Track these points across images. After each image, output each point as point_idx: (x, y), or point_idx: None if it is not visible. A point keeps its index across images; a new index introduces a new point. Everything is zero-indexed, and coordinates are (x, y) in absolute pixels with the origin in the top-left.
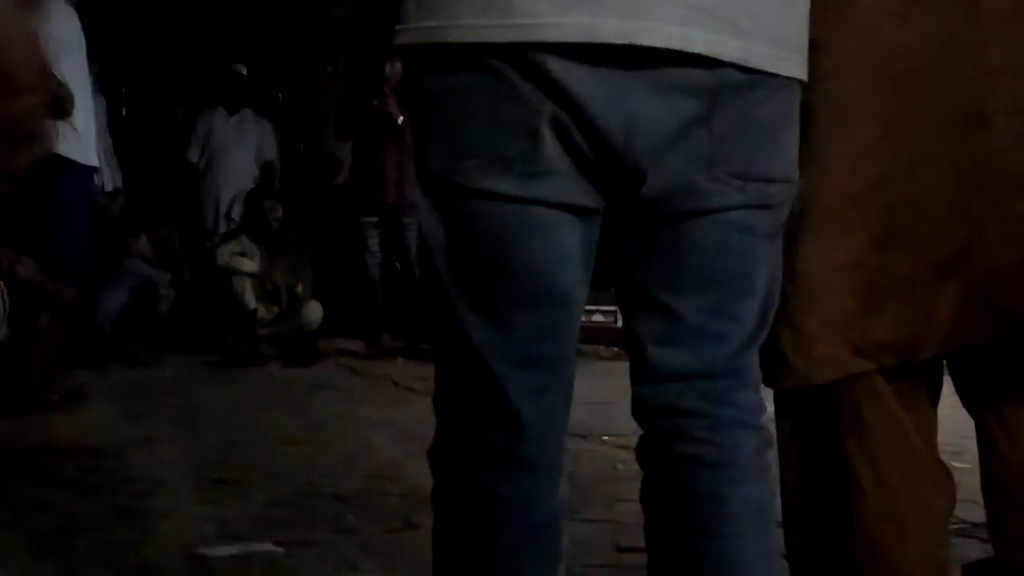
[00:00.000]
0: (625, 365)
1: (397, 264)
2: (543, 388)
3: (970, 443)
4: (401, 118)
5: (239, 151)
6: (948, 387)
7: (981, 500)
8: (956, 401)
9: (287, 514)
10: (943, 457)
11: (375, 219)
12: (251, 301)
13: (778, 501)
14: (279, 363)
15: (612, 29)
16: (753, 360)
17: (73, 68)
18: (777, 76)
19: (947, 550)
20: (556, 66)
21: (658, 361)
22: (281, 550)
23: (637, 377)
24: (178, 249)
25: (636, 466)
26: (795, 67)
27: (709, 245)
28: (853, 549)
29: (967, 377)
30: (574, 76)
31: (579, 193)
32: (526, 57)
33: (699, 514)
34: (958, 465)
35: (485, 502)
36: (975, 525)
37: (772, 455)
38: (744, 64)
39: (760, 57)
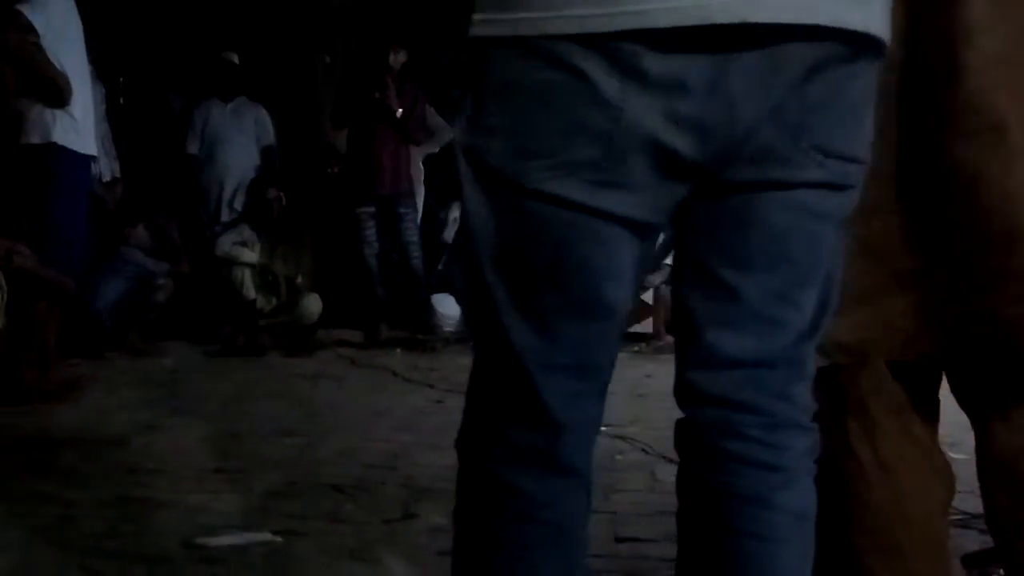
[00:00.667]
0: (625, 355)
1: (394, 255)
2: (581, 394)
3: (968, 435)
4: (400, 110)
5: (238, 138)
6: (944, 378)
7: (979, 491)
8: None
9: (286, 504)
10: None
11: (372, 209)
12: (251, 291)
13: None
14: (278, 353)
15: (722, 8)
16: (810, 351)
17: (71, 57)
18: (879, 48)
19: (947, 538)
20: (652, 60)
21: (716, 345)
22: (280, 539)
23: (690, 360)
24: (177, 239)
25: (634, 456)
26: (888, 41)
27: (780, 224)
28: (854, 534)
29: (960, 374)
30: (673, 66)
31: (645, 208)
32: (620, 51)
33: (741, 516)
34: (956, 456)
35: (512, 499)
36: (974, 516)
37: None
38: (866, 31)
39: (879, 24)
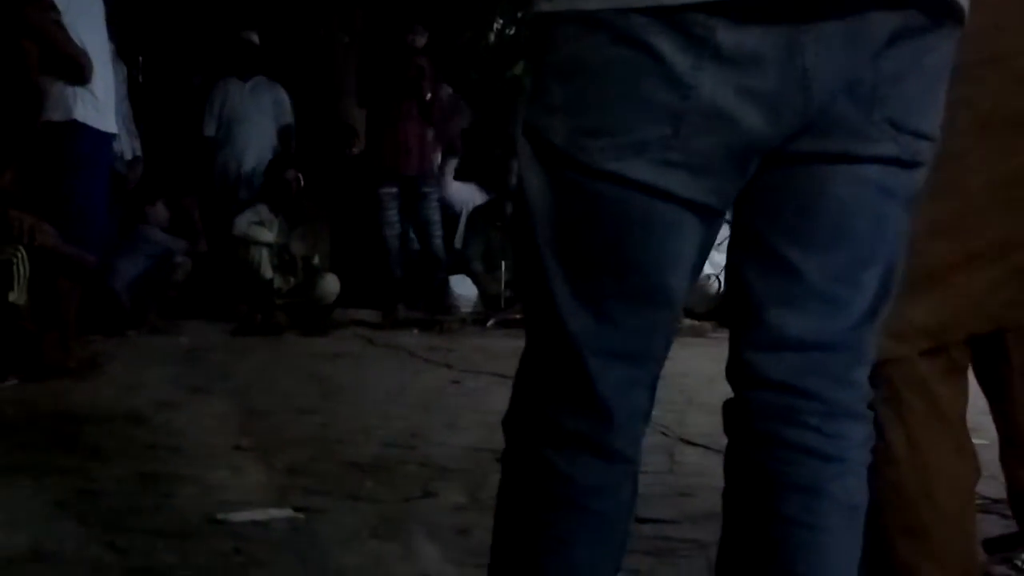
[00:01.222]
0: None
1: (413, 235)
2: (634, 382)
3: (986, 419)
4: (429, 94)
5: (257, 117)
6: None
7: (1001, 476)
8: (971, 378)
9: (306, 481)
10: None
11: (394, 190)
12: (267, 271)
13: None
14: (295, 333)
15: None
16: (872, 335)
17: (92, 35)
18: (959, 16)
19: (975, 519)
20: (727, 33)
21: (778, 324)
22: (301, 516)
23: (748, 340)
24: (197, 218)
25: (652, 438)
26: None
27: (846, 200)
28: (884, 516)
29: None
30: (748, 39)
31: (712, 191)
32: (693, 24)
33: (794, 505)
34: (976, 441)
35: (559, 485)
36: (995, 501)
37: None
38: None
39: None
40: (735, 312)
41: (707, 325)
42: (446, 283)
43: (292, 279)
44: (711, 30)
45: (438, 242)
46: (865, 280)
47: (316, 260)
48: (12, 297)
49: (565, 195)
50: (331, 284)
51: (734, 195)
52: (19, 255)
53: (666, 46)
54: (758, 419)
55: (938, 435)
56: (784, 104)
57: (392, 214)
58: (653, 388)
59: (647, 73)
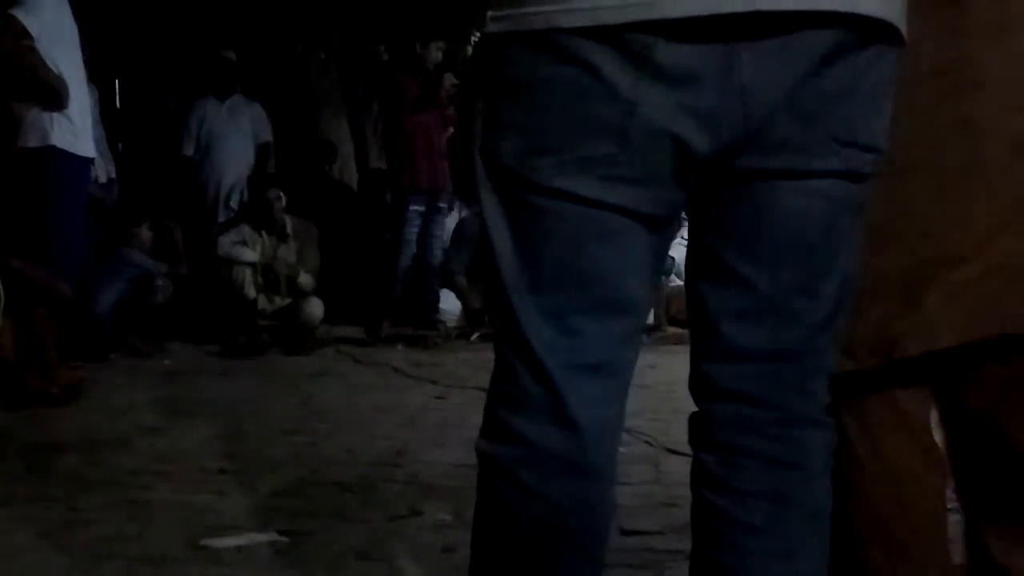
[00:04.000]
0: None
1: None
2: (603, 396)
3: None
4: (451, 107)
5: (235, 136)
6: None
7: None
8: None
9: (290, 503)
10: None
11: (422, 208)
12: (251, 291)
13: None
14: (278, 352)
15: None
16: (828, 344)
17: (66, 60)
18: (895, 36)
19: (947, 524)
20: (665, 51)
21: (733, 336)
22: (285, 539)
23: (706, 353)
24: (179, 241)
25: (637, 449)
26: (905, 31)
27: (795, 213)
28: (855, 526)
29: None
30: (686, 57)
31: (658, 201)
32: (632, 43)
33: (759, 513)
34: None
35: (534, 504)
36: None
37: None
38: (880, 17)
39: (893, 11)
40: (694, 326)
41: None
42: (437, 298)
43: (277, 298)
44: (650, 48)
45: (438, 254)
46: (821, 290)
47: (301, 278)
48: None
49: (518, 213)
50: (316, 308)
51: (682, 203)
52: None
53: (607, 65)
54: (719, 430)
55: (905, 443)
56: (723, 120)
57: (412, 231)
58: (623, 402)
59: (590, 91)
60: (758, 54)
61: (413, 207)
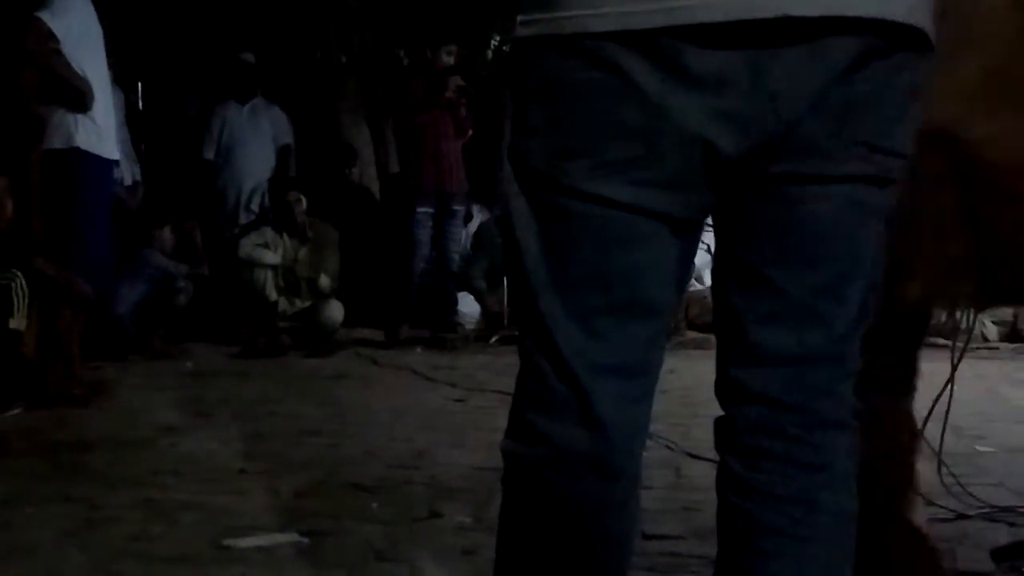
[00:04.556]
0: None
1: (433, 253)
2: (629, 397)
3: (992, 427)
4: (464, 110)
5: (255, 140)
6: (970, 370)
7: (1008, 484)
8: (978, 385)
9: (312, 504)
10: (966, 441)
11: (431, 210)
12: (272, 293)
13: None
14: (298, 354)
15: (763, 2)
16: (854, 348)
17: (91, 62)
18: (923, 41)
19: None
20: (695, 56)
21: (760, 341)
22: (306, 540)
23: (732, 357)
24: (200, 242)
25: (659, 454)
26: (933, 35)
27: (822, 218)
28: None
29: None
30: (715, 62)
31: (686, 205)
32: (662, 47)
33: (784, 517)
34: (981, 448)
35: (558, 503)
36: (1003, 509)
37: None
38: (908, 23)
39: (921, 16)
40: (721, 330)
41: (711, 337)
42: (455, 300)
43: (297, 301)
44: (680, 53)
45: (455, 257)
46: (848, 295)
47: (321, 281)
48: (13, 323)
49: (546, 215)
50: (336, 311)
51: (710, 208)
52: (17, 280)
53: (637, 69)
54: (745, 434)
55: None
56: (752, 124)
57: (424, 233)
58: (649, 403)
59: (620, 95)
60: (787, 59)
61: (421, 208)
